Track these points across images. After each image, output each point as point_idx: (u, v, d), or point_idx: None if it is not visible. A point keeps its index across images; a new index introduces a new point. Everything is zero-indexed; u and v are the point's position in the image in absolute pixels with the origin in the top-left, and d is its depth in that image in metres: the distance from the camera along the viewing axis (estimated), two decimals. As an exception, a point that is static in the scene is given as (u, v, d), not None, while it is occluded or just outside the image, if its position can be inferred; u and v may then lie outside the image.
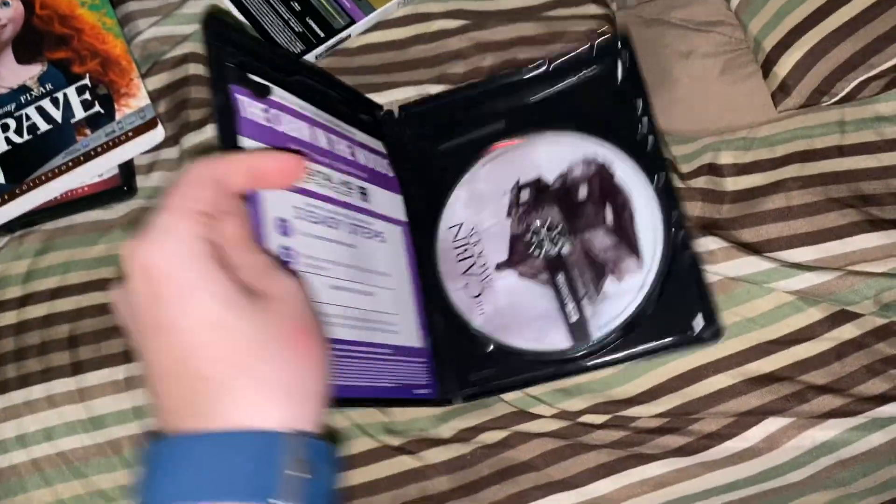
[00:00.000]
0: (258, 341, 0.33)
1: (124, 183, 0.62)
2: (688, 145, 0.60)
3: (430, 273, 0.57)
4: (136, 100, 0.62)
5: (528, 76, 0.57)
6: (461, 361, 0.55)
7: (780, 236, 0.56)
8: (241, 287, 0.34)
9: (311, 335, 0.36)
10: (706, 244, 0.55)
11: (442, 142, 0.59)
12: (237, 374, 0.32)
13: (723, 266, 0.55)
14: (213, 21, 0.48)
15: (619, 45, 0.55)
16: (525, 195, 0.55)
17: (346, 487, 0.56)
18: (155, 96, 0.64)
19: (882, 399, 0.53)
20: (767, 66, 0.56)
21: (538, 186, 0.55)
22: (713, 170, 0.59)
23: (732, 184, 0.58)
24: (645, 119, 0.53)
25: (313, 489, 0.33)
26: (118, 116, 0.62)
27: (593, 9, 0.64)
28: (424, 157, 0.59)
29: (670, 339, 0.51)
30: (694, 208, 0.58)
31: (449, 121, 0.59)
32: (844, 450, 0.54)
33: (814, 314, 0.55)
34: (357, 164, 0.54)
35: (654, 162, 0.53)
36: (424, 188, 0.59)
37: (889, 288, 0.53)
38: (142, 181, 0.63)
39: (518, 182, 0.55)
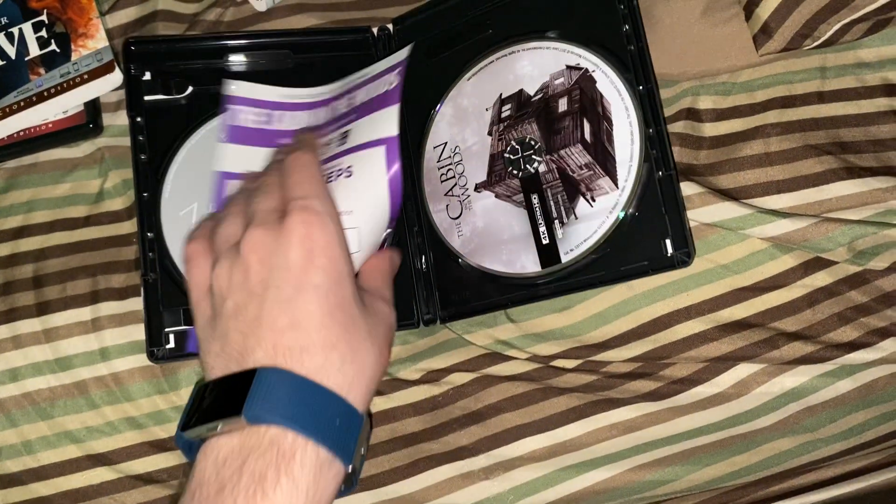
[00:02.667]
0: (367, 336, 0.41)
1: (90, 120, 0.60)
2: (666, 89, 0.59)
3: (415, 194, 0.57)
4: (93, 41, 0.60)
5: None
6: (441, 283, 0.56)
7: (757, 182, 0.55)
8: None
9: (388, 355, 0.44)
10: (683, 189, 0.55)
11: (431, 55, 0.58)
12: (348, 350, 0.40)
13: (698, 212, 0.54)
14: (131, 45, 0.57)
15: None
16: (507, 110, 0.54)
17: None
18: (119, 32, 0.62)
19: (851, 346, 0.53)
20: (749, 8, 0.55)
21: (520, 100, 0.54)
22: (692, 114, 0.58)
23: (711, 129, 0.57)
24: (628, 24, 0.51)
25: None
26: (74, 57, 0.60)
27: None
28: (414, 72, 0.58)
29: (639, 263, 0.50)
30: (675, 154, 0.57)
31: (441, 32, 0.58)
32: (812, 396, 0.54)
33: (787, 261, 0.54)
34: (352, 110, 0.54)
35: (636, 71, 0.51)
36: (413, 105, 0.58)
37: (863, 235, 0.52)
38: (109, 119, 0.61)
39: (500, 96, 0.54)
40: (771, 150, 0.56)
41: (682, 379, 0.54)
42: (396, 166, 0.48)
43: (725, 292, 0.54)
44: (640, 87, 0.50)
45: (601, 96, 0.51)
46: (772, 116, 0.57)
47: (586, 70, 0.52)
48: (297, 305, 0.39)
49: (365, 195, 0.48)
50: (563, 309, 0.55)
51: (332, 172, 0.49)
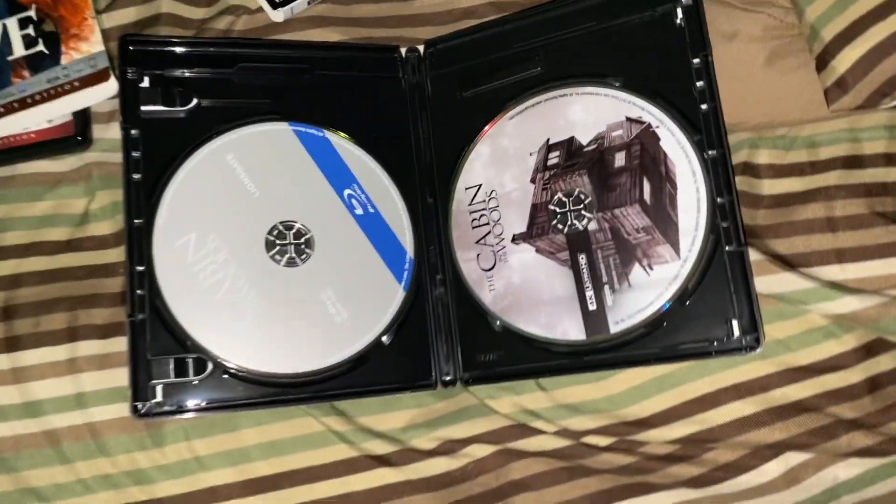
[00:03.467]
0: None
1: (78, 132, 0.53)
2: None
3: (440, 237, 0.52)
4: (87, 44, 0.53)
5: (570, 8, 0.49)
6: (465, 341, 0.50)
7: (819, 250, 0.50)
8: None
9: None
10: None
11: (468, 87, 0.52)
12: None
13: (757, 280, 0.49)
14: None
15: None
16: (554, 157, 0.48)
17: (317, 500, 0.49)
18: (116, 34, 0.55)
19: None
20: (824, 59, 0.50)
21: (570, 148, 0.48)
22: (749, 169, 0.53)
23: (770, 186, 0.52)
24: (703, 80, 0.46)
25: None
26: (64, 61, 0.53)
27: None
28: (446, 104, 0.52)
29: (700, 343, 0.45)
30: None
31: (477, 62, 0.52)
32: (868, 489, 0.50)
33: (848, 341, 0.49)
34: None
35: (708, 133, 0.46)
36: (444, 140, 0.52)
37: None
38: (100, 131, 0.54)
39: (548, 141, 0.49)
40: (835, 214, 0.51)
41: (726, 465, 0.49)
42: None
43: (779, 370, 0.49)
44: (712, 152, 0.45)
45: (665, 156, 0.46)
46: (835, 177, 0.52)
47: (649, 125, 0.46)
48: None
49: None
50: (598, 378, 0.50)
51: None
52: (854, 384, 0.49)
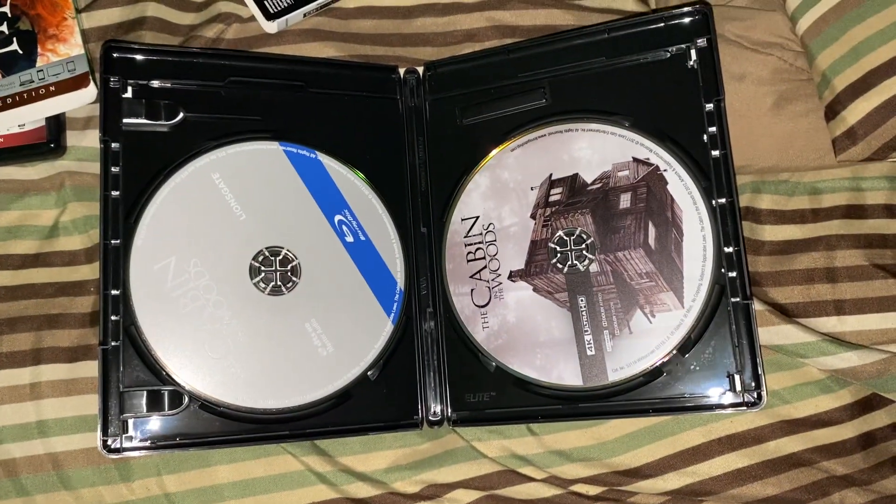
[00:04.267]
0: None
1: (51, 139, 0.50)
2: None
3: (432, 269, 0.50)
4: (65, 45, 0.50)
5: (580, 41, 0.48)
6: (455, 379, 0.48)
7: (817, 300, 0.49)
8: None
9: None
10: (736, 301, 0.48)
11: (468, 114, 0.50)
12: None
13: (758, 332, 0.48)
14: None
15: (696, 24, 0.46)
16: (556, 193, 0.47)
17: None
18: (97, 36, 0.52)
19: None
20: (834, 108, 0.49)
21: (574, 185, 0.46)
22: (751, 214, 0.52)
23: (771, 233, 0.51)
24: (714, 126, 0.45)
25: None
26: (40, 63, 0.50)
27: (632, 4, 0.55)
28: (445, 130, 0.50)
29: (700, 396, 0.44)
30: (726, 256, 0.51)
31: (480, 89, 0.50)
32: (856, 547, 0.49)
33: (844, 396, 0.49)
34: None
35: (718, 180, 0.45)
36: (441, 168, 0.50)
37: None
38: (74, 139, 0.51)
39: (550, 176, 0.47)
40: (835, 265, 0.50)
41: None
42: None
43: (773, 423, 0.48)
44: (721, 200, 0.44)
45: (672, 200, 0.44)
46: (836, 227, 0.51)
47: (657, 167, 0.45)
48: None
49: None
50: (591, 425, 0.48)
51: None
52: (847, 440, 0.48)
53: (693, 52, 0.46)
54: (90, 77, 0.50)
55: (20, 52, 0.50)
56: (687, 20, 0.46)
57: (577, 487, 0.48)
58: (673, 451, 0.48)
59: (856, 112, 0.48)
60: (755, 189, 0.52)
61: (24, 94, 0.49)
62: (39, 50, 0.50)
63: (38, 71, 0.50)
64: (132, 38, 0.52)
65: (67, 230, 0.50)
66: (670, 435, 0.48)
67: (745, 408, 0.43)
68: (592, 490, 0.48)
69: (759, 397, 0.43)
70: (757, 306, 0.48)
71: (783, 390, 0.49)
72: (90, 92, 0.50)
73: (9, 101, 0.49)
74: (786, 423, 0.48)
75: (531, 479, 0.48)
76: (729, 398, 0.43)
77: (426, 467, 0.48)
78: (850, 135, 0.48)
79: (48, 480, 0.46)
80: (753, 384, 0.43)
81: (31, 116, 0.50)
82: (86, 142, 0.51)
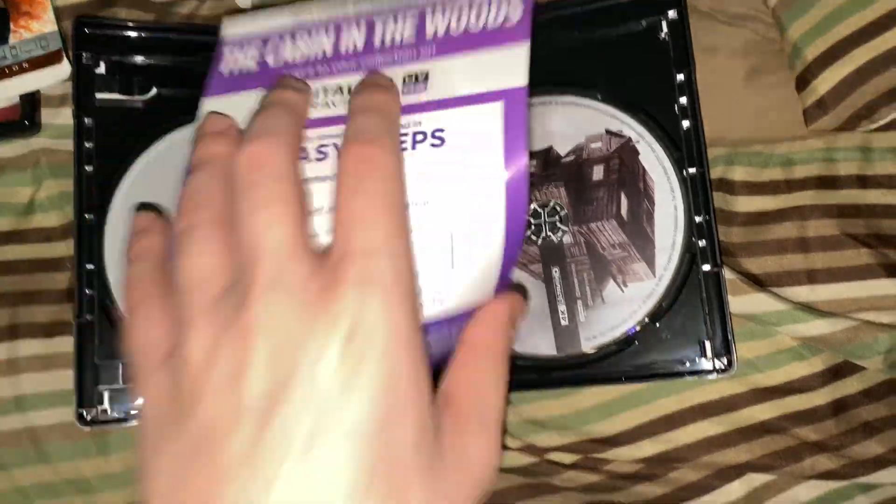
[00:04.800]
0: None
1: (25, 116, 0.50)
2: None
3: None
4: (39, 23, 0.50)
5: (551, 16, 0.47)
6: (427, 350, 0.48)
7: (790, 270, 0.50)
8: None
9: None
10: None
11: None
12: None
13: (730, 300, 0.48)
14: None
15: None
16: (532, 167, 0.47)
17: None
18: (70, 14, 0.52)
19: (876, 463, 0.48)
20: (805, 78, 0.49)
21: (547, 158, 0.47)
22: (724, 185, 0.52)
23: (744, 204, 0.51)
24: (685, 97, 0.46)
25: None
26: (13, 40, 0.49)
27: None
28: None
29: (672, 363, 0.45)
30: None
31: None
32: (828, 511, 0.50)
33: (815, 364, 0.49)
34: (424, 39, 0.32)
35: (689, 151, 0.45)
36: None
37: None
38: (49, 116, 0.51)
39: None
40: (807, 235, 0.50)
41: (690, 485, 0.49)
42: (522, 136, 0.29)
43: (746, 391, 0.49)
44: (692, 170, 0.44)
45: (644, 171, 0.45)
46: (809, 197, 0.51)
47: (629, 139, 0.45)
48: (315, 457, 0.23)
49: (465, 181, 0.28)
50: (566, 395, 0.49)
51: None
52: (819, 406, 0.49)
53: (664, 24, 0.46)
54: (64, 54, 0.49)
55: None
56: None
57: (553, 456, 0.49)
58: (647, 419, 0.48)
59: (826, 82, 0.48)
60: (728, 161, 0.52)
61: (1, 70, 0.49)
62: (12, 27, 0.50)
63: (11, 48, 0.49)
64: (105, 14, 0.52)
65: (44, 207, 0.50)
66: (644, 403, 0.48)
67: (715, 374, 0.44)
68: (568, 458, 0.49)
69: (730, 363, 0.43)
70: (730, 276, 0.48)
71: (756, 359, 0.49)
72: (64, 68, 0.50)
73: (-18, 77, 0.49)
74: (758, 390, 0.49)
75: (507, 448, 0.49)
76: (700, 364, 0.44)
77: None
78: (821, 105, 0.49)
79: (25, 454, 0.46)
80: (724, 350, 0.44)
81: (4, 94, 0.50)
82: (60, 119, 0.51)
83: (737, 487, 0.49)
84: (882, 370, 0.48)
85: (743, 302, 0.48)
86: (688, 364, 0.44)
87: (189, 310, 0.25)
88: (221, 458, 0.23)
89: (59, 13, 0.51)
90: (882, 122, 0.49)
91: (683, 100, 0.45)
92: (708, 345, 0.44)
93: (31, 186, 0.50)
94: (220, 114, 0.32)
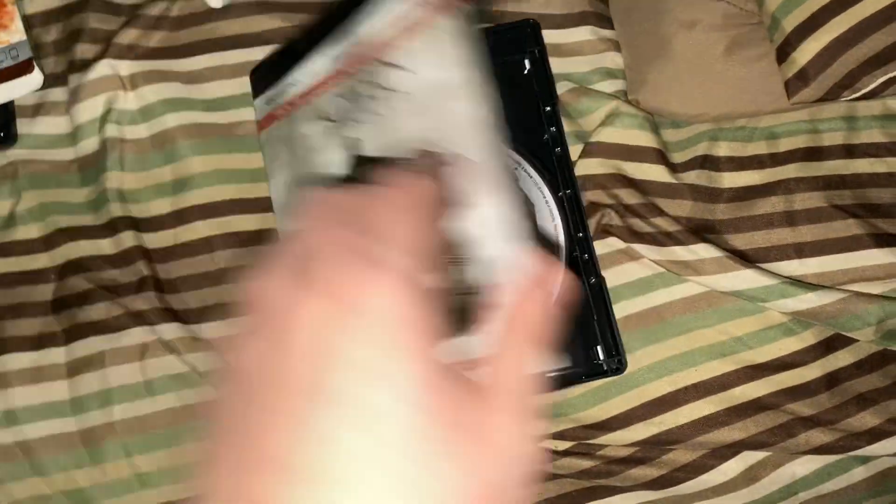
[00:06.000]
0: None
1: (1, 128, 0.50)
2: (681, 130, 0.53)
3: None
4: (6, 32, 0.49)
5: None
6: None
7: (778, 244, 0.49)
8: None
9: None
10: (696, 251, 0.48)
11: None
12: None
13: (714, 278, 0.48)
14: None
15: (528, 36, 0.51)
16: None
17: None
18: (40, 22, 0.51)
19: (871, 435, 0.48)
20: (785, 50, 0.49)
21: None
22: (709, 162, 0.51)
23: (730, 179, 0.51)
24: (554, 127, 0.49)
25: None
26: (-17, 50, 0.49)
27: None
28: None
29: (570, 369, 0.48)
30: (683, 208, 0.51)
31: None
32: (825, 484, 0.49)
33: (807, 338, 0.49)
34: None
35: (562, 174, 0.49)
36: None
37: (894, 315, 0.47)
38: (25, 126, 0.51)
39: None
40: (794, 208, 0.50)
41: (686, 465, 0.49)
42: None
43: (738, 368, 0.49)
44: (568, 191, 0.49)
45: (525, 196, 0.49)
46: (794, 170, 0.51)
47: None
48: (347, 442, 0.23)
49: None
50: (555, 382, 0.49)
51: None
52: (811, 381, 0.49)
53: (527, 62, 0.50)
54: (34, 63, 0.49)
55: (-38, 41, 0.49)
56: (520, 33, 0.51)
57: (546, 443, 0.49)
58: (639, 402, 0.48)
59: (806, 52, 0.47)
60: (712, 137, 0.52)
61: (-31, 84, 0.49)
62: (-21, 38, 0.49)
63: (-20, 59, 0.49)
64: (75, 22, 0.51)
65: (24, 219, 0.50)
66: (636, 387, 0.48)
67: (609, 374, 0.47)
68: (562, 445, 0.49)
69: (621, 363, 0.48)
70: (714, 253, 0.48)
71: (746, 336, 0.49)
72: (35, 78, 0.49)
73: (-47, 92, 0.49)
74: (750, 368, 0.49)
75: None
76: (594, 368, 0.48)
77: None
78: (802, 76, 0.48)
79: (20, 467, 0.46)
80: (614, 352, 0.47)
81: (-29, 109, 0.49)
82: (37, 129, 0.51)
83: (733, 466, 0.49)
84: (874, 341, 0.48)
85: (729, 279, 0.48)
86: (583, 369, 0.47)
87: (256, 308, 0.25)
88: (262, 439, 0.22)
89: (28, 21, 0.51)
90: (864, 91, 0.48)
91: (553, 129, 0.49)
92: (600, 349, 0.48)
93: (11, 199, 0.50)
94: None
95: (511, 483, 0.25)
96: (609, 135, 0.50)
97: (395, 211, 0.26)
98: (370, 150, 0.36)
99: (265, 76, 0.44)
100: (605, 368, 0.47)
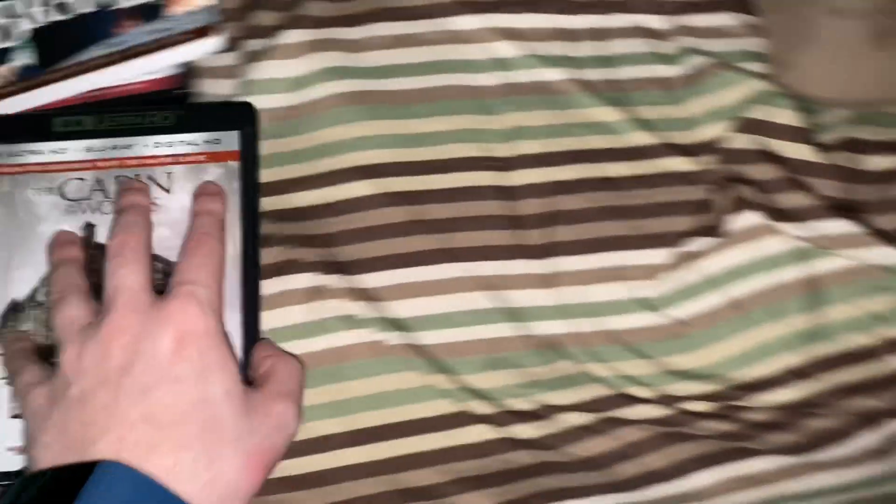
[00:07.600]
0: (232, 441, 0.37)
1: (182, 86, 0.53)
2: (825, 114, 0.54)
3: None
4: (194, -4, 0.53)
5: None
6: None
7: None
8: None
9: (262, 470, 0.38)
10: (836, 227, 0.50)
11: None
12: (203, 453, 0.36)
13: (857, 252, 0.50)
14: None
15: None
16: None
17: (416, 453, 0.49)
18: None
19: None
20: (938, 37, 0.50)
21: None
22: (853, 144, 0.53)
23: (873, 163, 0.52)
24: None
25: None
26: (171, 12, 0.53)
27: None
28: None
29: None
30: (826, 187, 0.52)
31: None
32: (959, 463, 0.50)
33: None
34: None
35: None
36: None
37: None
38: (211, 87, 0.54)
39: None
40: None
41: (825, 431, 0.50)
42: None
43: (876, 343, 0.50)
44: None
45: None
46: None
47: None
48: (153, 397, 0.36)
49: None
50: (700, 346, 0.50)
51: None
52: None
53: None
54: (216, 26, 0.53)
55: (154, 2, 0.53)
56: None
57: (689, 405, 0.50)
58: (784, 366, 0.50)
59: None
60: (857, 121, 0.53)
61: (153, 44, 0.52)
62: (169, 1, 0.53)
63: (168, 21, 0.53)
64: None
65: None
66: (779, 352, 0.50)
67: None
68: (704, 407, 0.50)
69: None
70: (858, 230, 0.50)
71: (886, 311, 0.50)
72: (217, 40, 0.53)
73: (140, 49, 0.52)
74: (890, 343, 0.50)
75: (641, 402, 0.50)
76: None
77: (540, 388, 0.50)
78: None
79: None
80: None
81: (160, 64, 0.53)
82: (223, 90, 0.53)
83: (870, 436, 0.50)
84: None
85: (873, 254, 0.50)
86: None
87: (63, 336, 0.39)
88: (90, 410, 0.35)
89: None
90: None
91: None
92: None
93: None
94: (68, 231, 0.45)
95: (279, 443, 0.39)
96: (757, 111, 0.52)
97: (198, 251, 0.42)
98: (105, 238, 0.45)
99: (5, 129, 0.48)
100: None
